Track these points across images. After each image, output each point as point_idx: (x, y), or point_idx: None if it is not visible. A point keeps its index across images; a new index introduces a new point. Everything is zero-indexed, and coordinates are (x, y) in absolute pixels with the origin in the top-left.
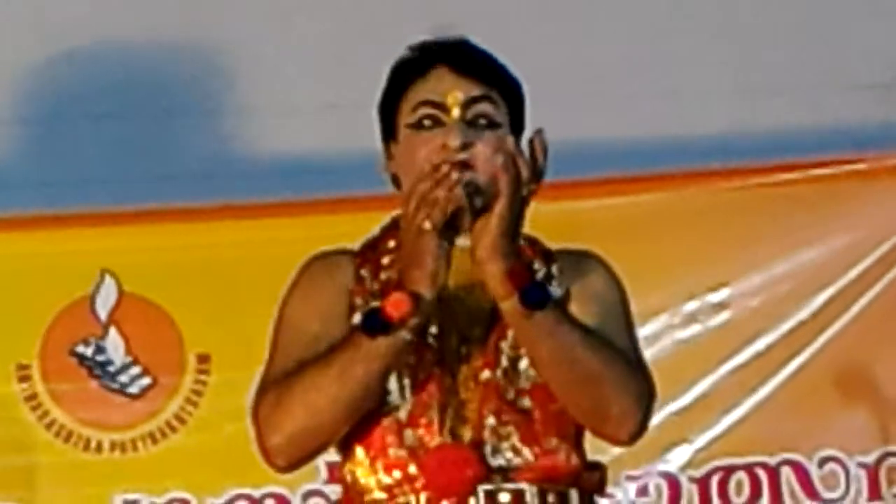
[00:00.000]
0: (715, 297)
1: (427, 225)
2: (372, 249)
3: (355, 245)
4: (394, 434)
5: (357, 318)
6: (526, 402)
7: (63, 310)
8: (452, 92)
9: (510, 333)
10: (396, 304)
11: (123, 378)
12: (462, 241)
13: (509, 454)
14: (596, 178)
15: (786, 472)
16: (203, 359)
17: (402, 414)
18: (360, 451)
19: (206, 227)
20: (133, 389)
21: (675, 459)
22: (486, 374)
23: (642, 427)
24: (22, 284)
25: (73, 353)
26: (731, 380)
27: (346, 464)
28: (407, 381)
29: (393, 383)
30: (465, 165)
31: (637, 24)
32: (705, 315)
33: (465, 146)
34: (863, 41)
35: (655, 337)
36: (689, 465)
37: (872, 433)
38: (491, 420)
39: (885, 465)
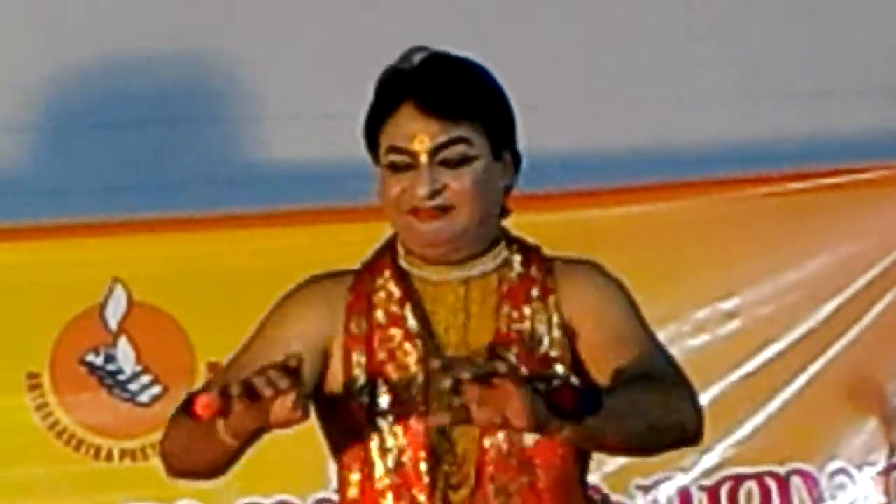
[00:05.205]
0: (725, 306)
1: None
2: (370, 273)
3: (356, 265)
4: (391, 496)
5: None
6: (531, 465)
7: (73, 319)
8: (420, 137)
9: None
10: (204, 405)
11: (134, 387)
12: (456, 274)
13: None
14: (604, 188)
15: (796, 481)
16: (214, 367)
17: (397, 478)
18: None
19: (215, 236)
20: (143, 398)
21: (686, 469)
22: (487, 440)
23: (700, 431)
24: (32, 294)
25: (84, 362)
26: (742, 388)
27: None
28: (396, 443)
29: (387, 440)
30: (439, 209)
31: (644, 32)
32: (715, 324)
33: (434, 194)
34: (873, 46)
35: (665, 345)
36: (699, 474)
37: (881, 443)
38: (491, 487)
39: (894, 476)
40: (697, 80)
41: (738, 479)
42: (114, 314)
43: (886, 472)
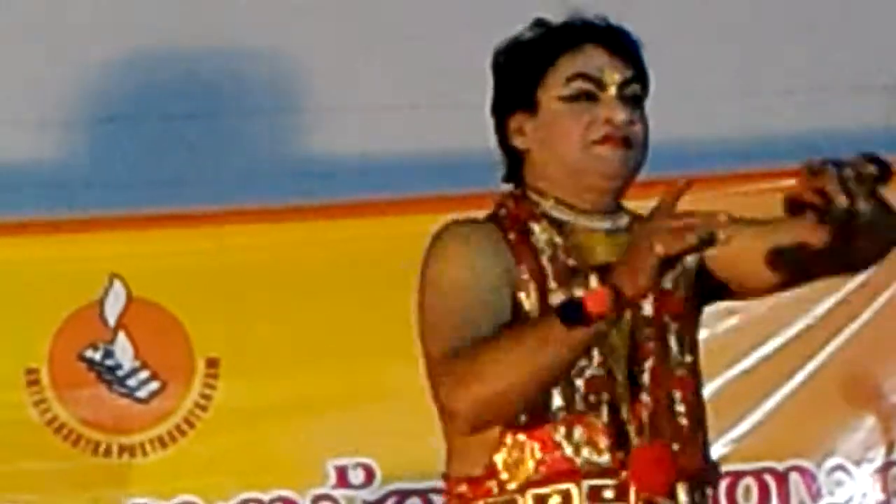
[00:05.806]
0: (723, 303)
1: (659, 249)
2: (516, 220)
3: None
4: (562, 432)
5: (554, 299)
6: (680, 406)
7: (72, 314)
8: (609, 70)
9: (674, 326)
10: (597, 300)
11: (132, 382)
12: (603, 224)
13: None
14: None
15: (794, 478)
16: (212, 363)
17: (571, 411)
18: (520, 437)
19: (214, 232)
20: (142, 394)
21: None
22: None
23: None
24: (31, 289)
25: (82, 358)
26: (740, 385)
27: (500, 448)
28: (578, 382)
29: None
30: (626, 141)
31: (645, 26)
32: (713, 320)
33: (629, 122)
34: (872, 43)
35: None
36: None
37: (879, 440)
38: (648, 423)
39: (892, 473)
40: (698, 75)
41: (737, 476)
42: (112, 310)
43: (884, 469)
